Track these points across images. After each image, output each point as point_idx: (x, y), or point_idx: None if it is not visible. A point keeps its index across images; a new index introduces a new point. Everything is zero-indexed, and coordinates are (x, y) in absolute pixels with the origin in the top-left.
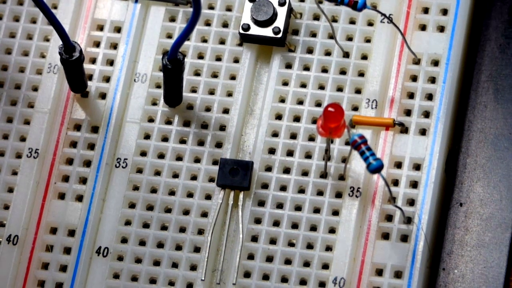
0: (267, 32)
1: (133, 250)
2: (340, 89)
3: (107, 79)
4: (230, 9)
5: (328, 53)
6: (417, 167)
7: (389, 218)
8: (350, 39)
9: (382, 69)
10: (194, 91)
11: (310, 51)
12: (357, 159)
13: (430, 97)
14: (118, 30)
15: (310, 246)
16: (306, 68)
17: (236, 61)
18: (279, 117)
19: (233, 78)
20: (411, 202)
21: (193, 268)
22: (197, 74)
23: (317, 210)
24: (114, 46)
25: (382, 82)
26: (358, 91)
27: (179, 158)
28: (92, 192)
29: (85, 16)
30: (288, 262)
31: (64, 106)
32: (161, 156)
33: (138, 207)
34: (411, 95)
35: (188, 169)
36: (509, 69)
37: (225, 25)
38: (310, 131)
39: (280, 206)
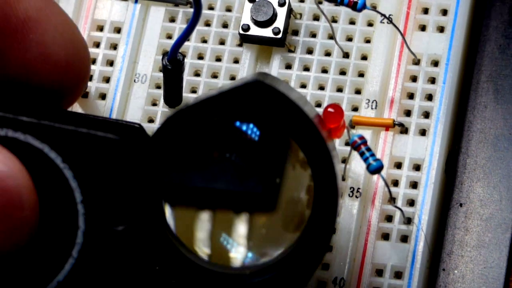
0: (267, 32)
1: None
2: (340, 90)
3: (107, 80)
4: (230, 9)
5: (328, 54)
6: (417, 167)
7: (389, 218)
8: (350, 39)
9: (382, 70)
10: (194, 91)
11: (310, 51)
12: (357, 159)
13: (430, 97)
14: (118, 30)
15: None
16: (306, 69)
17: (236, 61)
18: None
19: (233, 78)
20: (411, 203)
21: None
22: (197, 74)
23: None
24: (114, 47)
25: (382, 83)
26: (358, 92)
27: None
28: None
29: (85, 16)
30: None
31: None
32: None
33: None
34: (411, 96)
35: None
36: (509, 69)
37: (225, 25)
38: None
39: None
